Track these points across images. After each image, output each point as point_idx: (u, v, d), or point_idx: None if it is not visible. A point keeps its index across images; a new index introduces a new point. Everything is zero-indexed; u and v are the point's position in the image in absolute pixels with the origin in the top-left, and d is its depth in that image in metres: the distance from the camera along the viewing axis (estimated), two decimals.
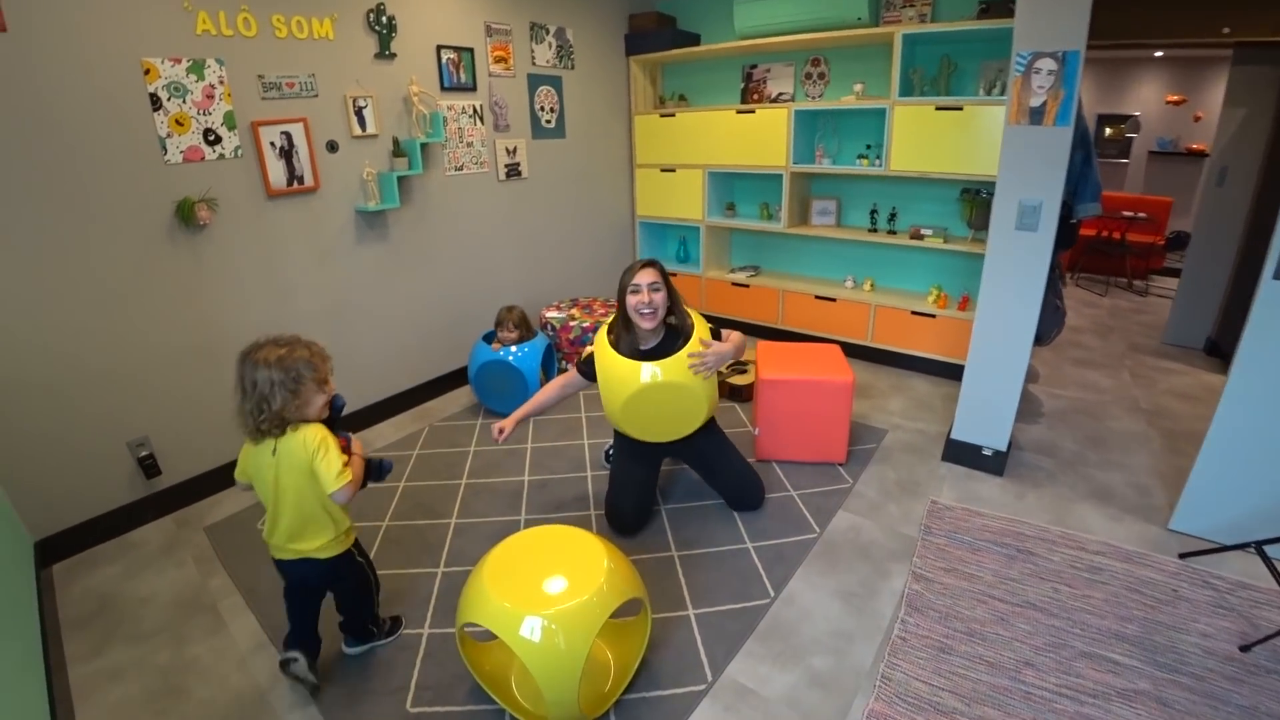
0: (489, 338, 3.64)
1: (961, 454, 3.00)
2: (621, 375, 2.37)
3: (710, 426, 2.64)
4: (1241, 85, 4.03)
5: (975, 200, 3.73)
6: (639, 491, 2.58)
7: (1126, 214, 6.08)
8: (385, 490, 2.87)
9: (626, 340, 2.46)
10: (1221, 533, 2.42)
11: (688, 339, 2.40)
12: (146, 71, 2.42)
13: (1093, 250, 6.08)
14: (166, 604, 2.26)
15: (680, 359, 2.34)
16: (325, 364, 1.71)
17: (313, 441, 1.64)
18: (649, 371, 2.33)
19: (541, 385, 3.60)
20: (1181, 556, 2.36)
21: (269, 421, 1.62)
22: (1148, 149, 7.10)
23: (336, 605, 1.97)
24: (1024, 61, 2.48)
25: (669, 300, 2.43)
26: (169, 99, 2.50)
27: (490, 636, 1.91)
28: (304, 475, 1.66)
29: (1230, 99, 4.10)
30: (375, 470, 1.91)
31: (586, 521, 2.63)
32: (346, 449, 1.78)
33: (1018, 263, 2.67)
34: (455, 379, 3.95)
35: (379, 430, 3.48)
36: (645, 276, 2.37)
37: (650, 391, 2.35)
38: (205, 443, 2.85)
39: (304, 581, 1.85)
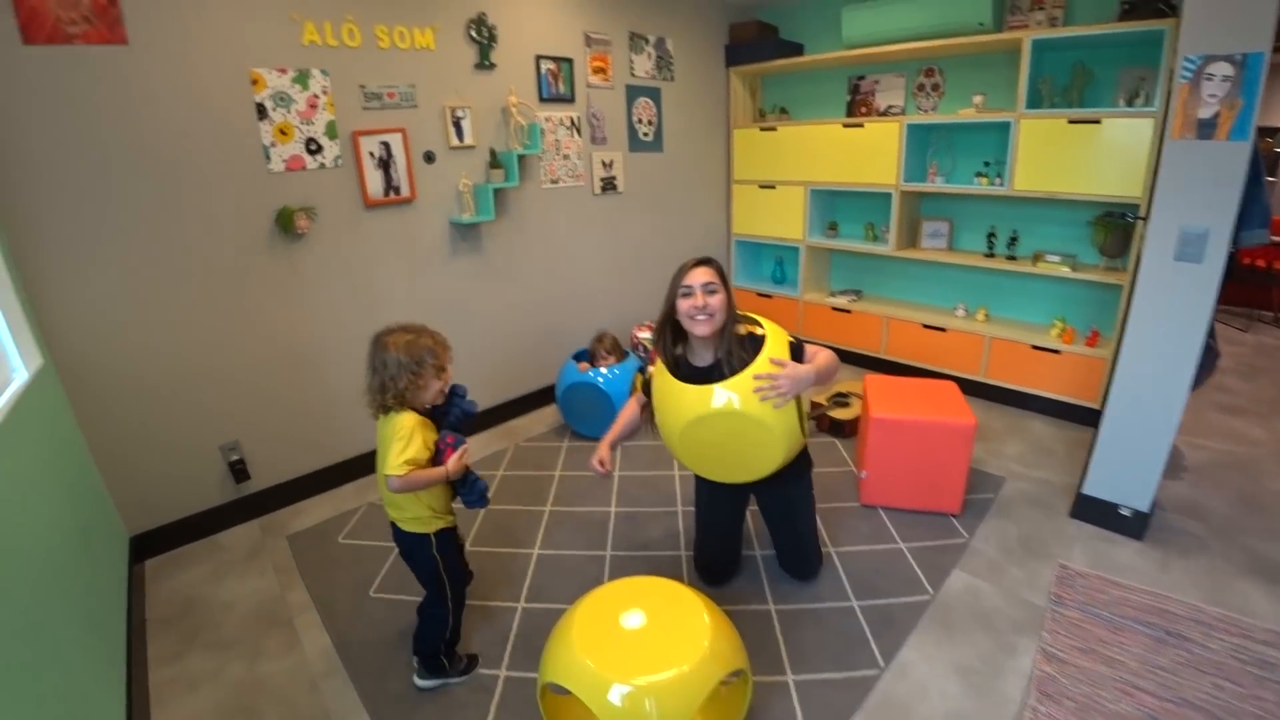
0: (579, 357, 3.51)
1: (1094, 512, 2.62)
2: (674, 400, 1.90)
3: (797, 472, 2.16)
4: None
5: (1111, 224, 3.31)
6: (724, 541, 2.29)
7: (1276, 239, 5.39)
8: (466, 512, 2.75)
9: (680, 356, 2.02)
10: None
11: (757, 354, 1.86)
12: (254, 81, 2.42)
13: (1233, 278, 5.41)
14: (246, 613, 2.22)
15: (744, 381, 1.81)
16: (445, 353, 1.83)
17: (402, 428, 1.71)
18: (706, 395, 1.83)
19: None
20: None
21: (393, 398, 1.74)
22: None
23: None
24: (1192, 67, 2.13)
25: (728, 306, 1.95)
26: (274, 108, 2.49)
27: (566, 690, 1.73)
28: (386, 445, 1.74)
29: None
30: (466, 487, 1.85)
31: (676, 563, 2.43)
32: (446, 448, 1.78)
33: (1176, 298, 2.29)
34: (542, 397, 3.84)
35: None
36: (699, 275, 1.92)
37: (708, 423, 1.85)
38: (293, 450, 2.84)
39: (396, 542, 1.89)
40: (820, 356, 1.96)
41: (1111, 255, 3.38)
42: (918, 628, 2.09)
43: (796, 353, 1.94)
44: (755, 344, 1.90)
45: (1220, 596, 2.21)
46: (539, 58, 3.34)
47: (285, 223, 2.58)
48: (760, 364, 1.82)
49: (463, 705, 1.84)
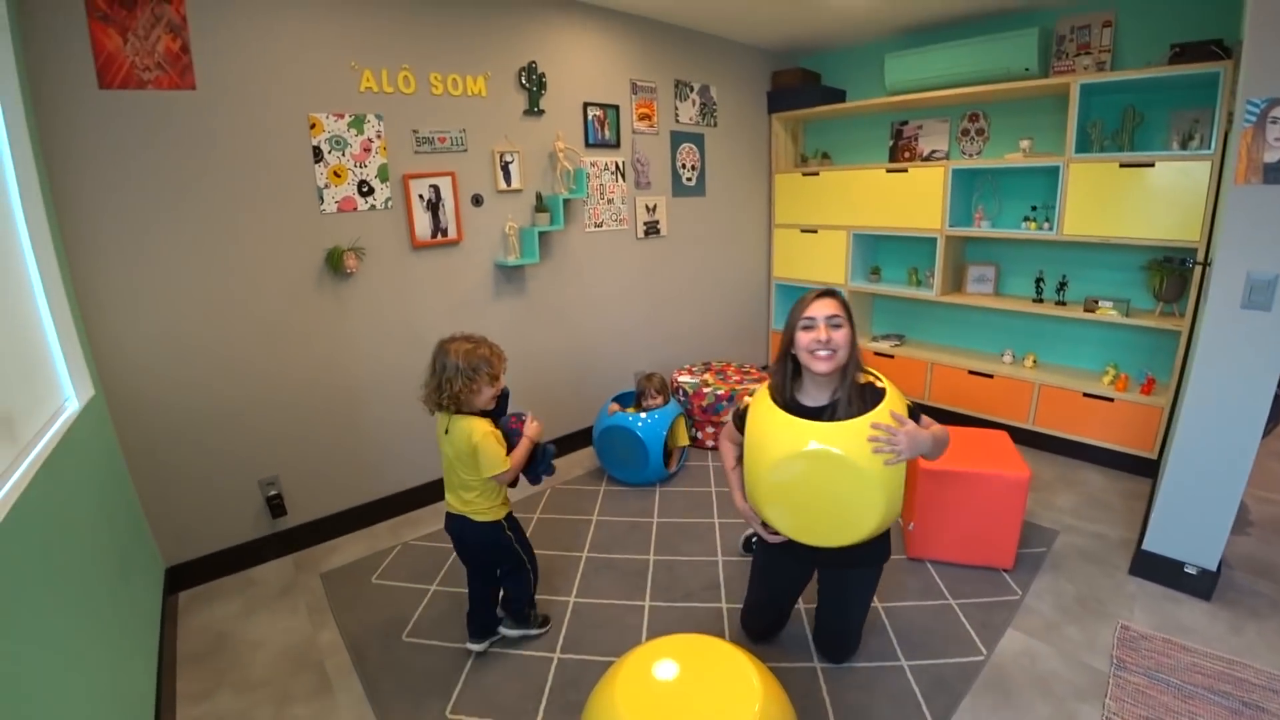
0: (621, 400, 3.47)
1: (1156, 569, 2.45)
2: (775, 435, 1.71)
3: (873, 557, 1.95)
4: None
5: (1167, 269, 3.20)
6: (778, 609, 2.14)
7: None
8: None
9: (790, 391, 1.85)
10: None
11: (875, 405, 1.70)
12: (312, 126, 2.50)
13: None
14: (277, 653, 2.17)
15: (859, 427, 1.64)
16: (500, 363, 2.02)
17: (476, 434, 1.93)
18: (814, 434, 1.66)
19: (666, 455, 3.39)
20: None
21: (447, 399, 1.94)
22: None
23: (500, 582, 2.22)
24: (1256, 110, 2.05)
25: (851, 344, 1.77)
26: (330, 151, 2.56)
27: None
28: (463, 456, 1.97)
29: None
30: (541, 456, 2.11)
31: (717, 616, 2.32)
32: (518, 426, 2.07)
33: (1243, 346, 2.17)
34: (580, 439, 3.80)
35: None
36: (823, 308, 1.74)
37: (809, 462, 1.66)
38: (330, 487, 2.83)
39: (461, 538, 2.12)
40: (935, 428, 1.78)
41: (1168, 300, 3.25)
42: (971, 691, 1.96)
43: (913, 416, 1.75)
44: (874, 396, 1.75)
45: None
46: (586, 104, 3.40)
47: (335, 262, 2.62)
48: (880, 414, 1.65)
49: None
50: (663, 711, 1.42)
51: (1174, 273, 3.18)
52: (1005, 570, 2.53)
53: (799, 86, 4.33)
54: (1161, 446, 3.11)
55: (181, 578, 2.51)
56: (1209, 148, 2.91)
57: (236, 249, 2.42)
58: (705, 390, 3.66)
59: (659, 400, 3.38)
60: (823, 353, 1.73)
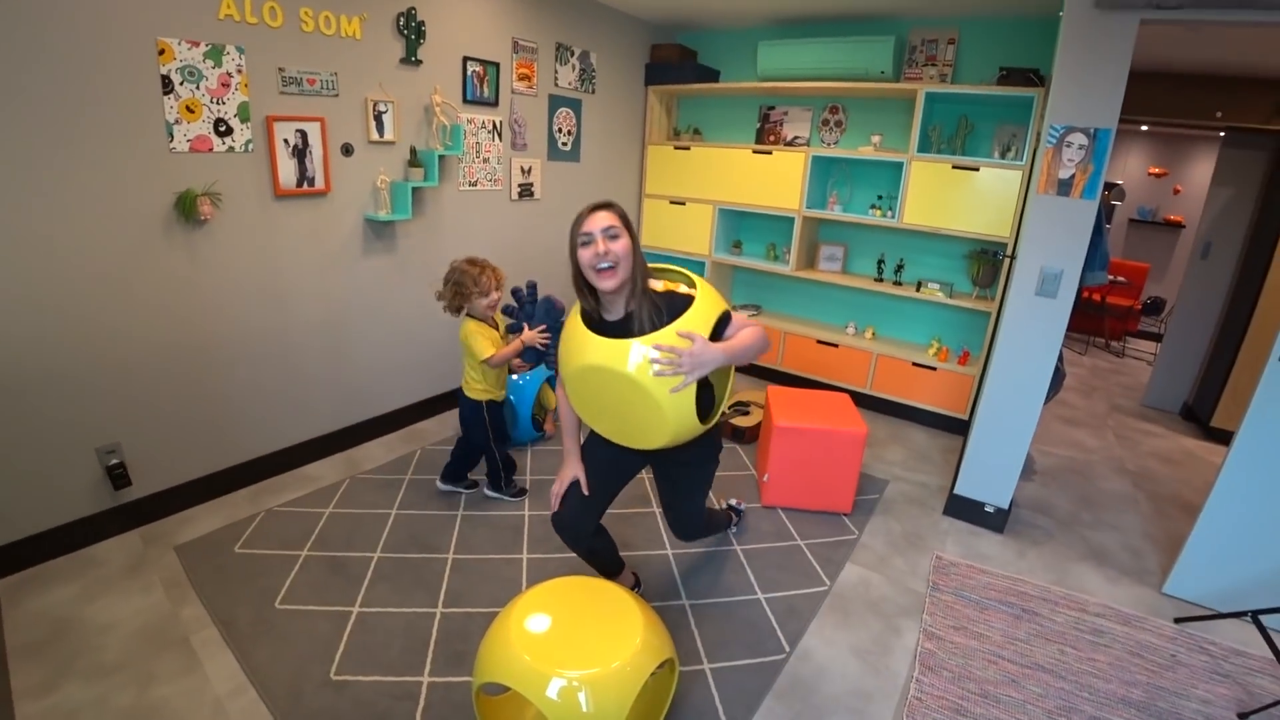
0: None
1: (964, 509, 2.99)
2: (575, 344, 1.76)
3: (698, 459, 2.05)
4: (1230, 166, 4.22)
5: (984, 259, 3.77)
6: (585, 501, 2.00)
7: (1110, 279, 6.32)
8: (375, 518, 2.70)
9: (598, 309, 1.84)
10: (1214, 599, 2.50)
11: (678, 316, 1.68)
12: (161, 51, 2.26)
13: (1075, 310, 6.28)
14: (131, 634, 2.03)
15: (643, 344, 1.63)
16: (490, 281, 2.64)
17: (464, 333, 2.63)
18: (604, 348, 1.68)
19: (535, 418, 3.47)
20: (1177, 621, 2.42)
21: (448, 306, 2.65)
22: (1128, 216, 7.41)
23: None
24: (1056, 134, 2.51)
25: (634, 254, 1.74)
26: (182, 83, 2.34)
27: (499, 690, 1.77)
28: (463, 347, 2.66)
29: (1218, 178, 4.28)
30: (532, 354, 2.79)
31: None
32: (514, 332, 2.83)
33: (1035, 327, 2.69)
34: (449, 400, 3.78)
35: (367, 450, 3.29)
36: (599, 221, 1.70)
37: (591, 375, 1.71)
38: (181, 453, 2.64)
39: (459, 410, 2.82)
40: (743, 334, 1.75)
41: (982, 286, 3.84)
42: (818, 615, 2.31)
43: (722, 324, 1.74)
44: (678, 306, 1.72)
45: (1064, 579, 2.64)
46: (466, 59, 3.33)
47: (187, 207, 2.41)
48: (666, 334, 1.63)
49: (386, 714, 1.81)
50: (558, 646, 1.56)
51: (989, 262, 3.76)
52: (845, 514, 2.94)
53: (676, 62, 4.49)
54: (972, 409, 3.70)
55: (2, 563, 2.24)
56: (1021, 159, 3.46)
57: (70, 186, 2.15)
58: None
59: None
60: (603, 266, 1.70)
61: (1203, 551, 2.50)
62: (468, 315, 2.66)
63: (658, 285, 1.81)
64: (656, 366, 1.60)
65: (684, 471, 2.10)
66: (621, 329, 1.76)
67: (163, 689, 1.85)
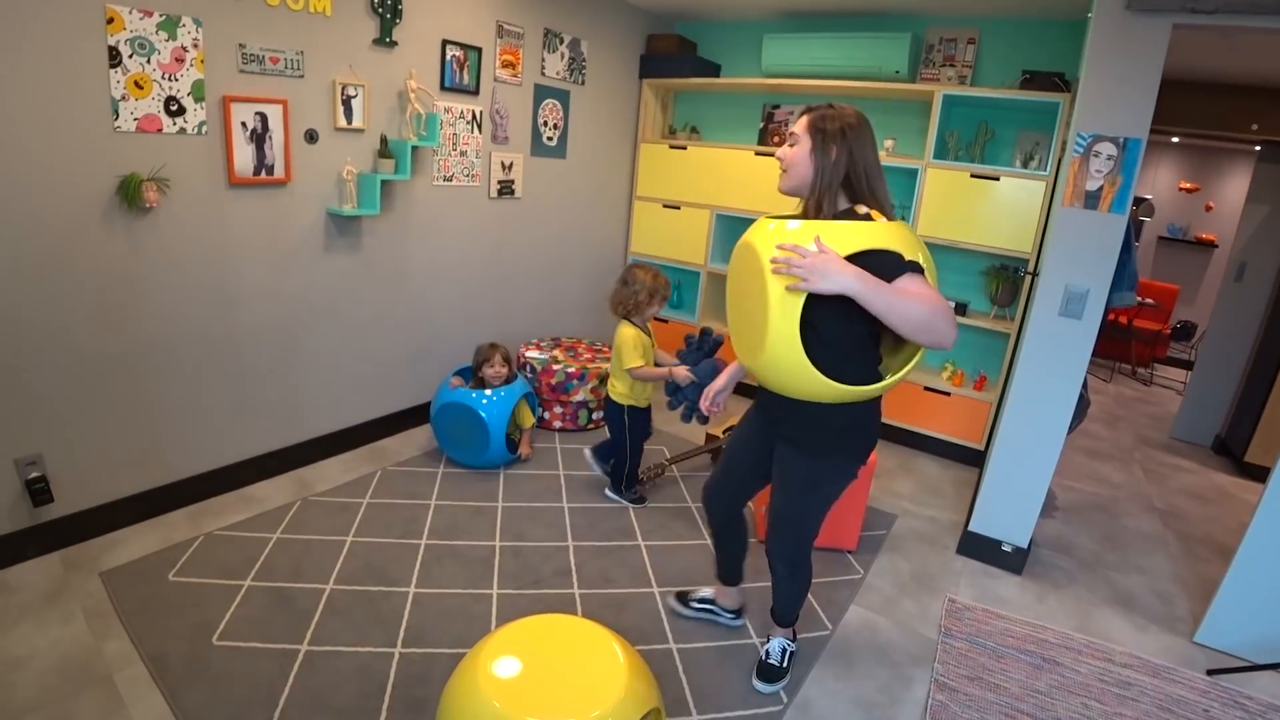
0: (464, 374, 3.48)
1: (979, 548, 3.00)
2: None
3: (813, 436, 1.88)
4: (1266, 182, 4.33)
5: (1003, 276, 3.83)
6: (734, 479, 2.17)
7: (1138, 300, 6.44)
8: (328, 545, 2.66)
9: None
10: (1250, 649, 2.51)
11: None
12: (110, 20, 2.25)
13: (1100, 334, 6.38)
14: (47, 670, 1.97)
15: (789, 232, 1.62)
16: (661, 289, 3.06)
17: (620, 337, 3.04)
18: (759, 225, 1.71)
19: (509, 438, 3.42)
20: (1210, 673, 2.42)
21: (620, 308, 3.06)
22: (1157, 234, 7.54)
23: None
24: (1083, 143, 2.57)
25: (812, 166, 1.71)
26: (130, 56, 2.32)
27: None
28: (614, 350, 3.06)
29: (1254, 195, 4.39)
30: (674, 390, 3.00)
31: (570, 602, 2.47)
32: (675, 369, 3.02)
33: (1058, 350, 2.72)
34: (415, 416, 3.76)
35: (321, 469, 3.26)
36: (795, 123, 1.79)
37: (738, 252, 1.78)
38: (113, 467, 2.59)
39: (605, 409, 3.27)
40: (909, 290, 1.55)
41: (1001, 305, 3.89)
42: (818, 663, 2.30)
43: (890, 267, 1.58)
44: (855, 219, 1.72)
45: (1087, 625, 2.64)
46: (445, 42, 3.34)
47: (130, 193, 2.39)
48: (801, 233, 1.60)
49: None
50: (531, 692, 1.53)
51: (1008, 279, 3.82)
52: (849, 551, 2.95)
53: (674, 54, 4.55)
54: (988, 438, 3.73)
55: None
56: (1045, 169, 3.52)
57: None
58: (555, 367, 3.78)
59: (504, 370, 3.41)
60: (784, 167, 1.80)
61: (1237, 597, 2.51)
62: (627, 320, 3.02)
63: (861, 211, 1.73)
64: (773, 263, 1.59)
65: (787, 451, 1.96)
66: None
67: None
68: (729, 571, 2.38)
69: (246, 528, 2.73)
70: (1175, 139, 6.77)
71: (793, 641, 2.26)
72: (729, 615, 2.45)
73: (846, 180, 1.71)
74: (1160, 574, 3.08)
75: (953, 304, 3.91)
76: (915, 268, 1.59)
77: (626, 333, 2.99)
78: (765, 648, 2.25)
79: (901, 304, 1.54)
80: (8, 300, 2.24)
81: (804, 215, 1.78)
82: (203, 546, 2.59)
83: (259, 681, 2.00)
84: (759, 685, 2.17)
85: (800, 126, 1.75)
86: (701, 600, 2.48)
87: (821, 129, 1.71)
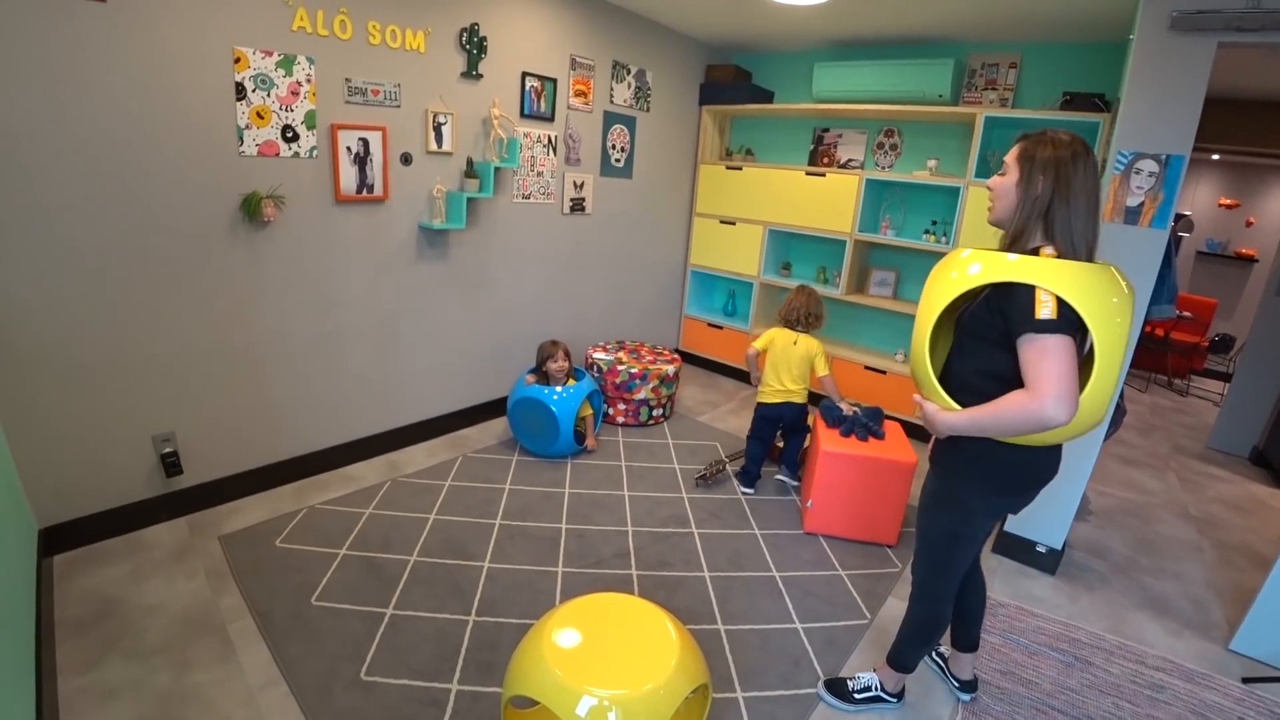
0: (534, 371, 3.51)
1: (1014, 548, 2.84)
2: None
3: (945, 461, 1.68)
4: None
5: None
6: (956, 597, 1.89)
7: (1175, 311, 6.04)
8: (414, 521, 2.70)
9: None
10: None
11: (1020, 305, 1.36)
12: (237, 60, 2.35)
13: (1138, 345, 6.01)
14: (173, 618, 2.07)
15: (957, 260, 1.51)
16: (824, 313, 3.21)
17: (816, 348, 3.14)
18: (957, 257, 1.54)
19: (577, 431, 3.42)
20: (1245, 681, 2.23)
21: (806, 323, 3.16)
22: (1196, 249, 7.08)
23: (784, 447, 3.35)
24: (1124, 160, 2.40)
25: (1015, 198, 1.48)
26: (254, 90, 2.42)
27: (528, 704, 1.73)
28: (805, 359, 3.13)
29: None
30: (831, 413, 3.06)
31: (628, 582, 2.44)
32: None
33: None
34: (493, 409, 3.80)
35: (409, 454, 3.31)
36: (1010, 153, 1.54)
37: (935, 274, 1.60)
38: (232, 446, 2.70)
39: (781, 415, 3.22)
40: (1012, 401, 1.37)
41: None
42: (857, 649, 2.21)
43: (1016, 320, 1.36)
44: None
45: (1120, 627, 2.47)
46: (525, 74, 3.38)
47: (251, 209, 2.48)
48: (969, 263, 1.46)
49: (413, 719, 1.79)
50: (590, 663, 1.51)
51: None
52: (890, 546, 2.82)
53: (731, 82, 4.48)
54: None
55: (58, 540, 2.32)
56: None
57: (141, 183, 2.24)
58: (619, 368, 3.76)
59: (566, 364, 3.39)
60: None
61: (1274, 607, 2.31)
62: (808, 333, 3.18)
63: (1049, 251, 1.45)
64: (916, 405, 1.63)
65: (930, 467, 1.76)
66: None
67: (198, 675, 1.87)
68: (959, 632, 2.02)
69: (344, 503, 2.80)
70: (1215, 156, 6.32)
71: (890, 696, 1.97)
72: (956, 684, 2.07)
73: (1047, 215, 1.44)
74: (1195, 580, 2.85)
75: None
76: (1047, 327, 1.31)
77: (816, 343, 3.12)
78: (859, 671, 2.05)
79: (998, 421, 1.40)
80: (149, 295, 2.35)
81: (1003, 248, 1.51)
82: (306, 518, 2.66)
83: (349, 638, 2.04)
84: (823, 693, 2.00)
85: (1011, 155, 1.52)
86: (939, 655, 2.16)
87: (1030, 158, 1.47)
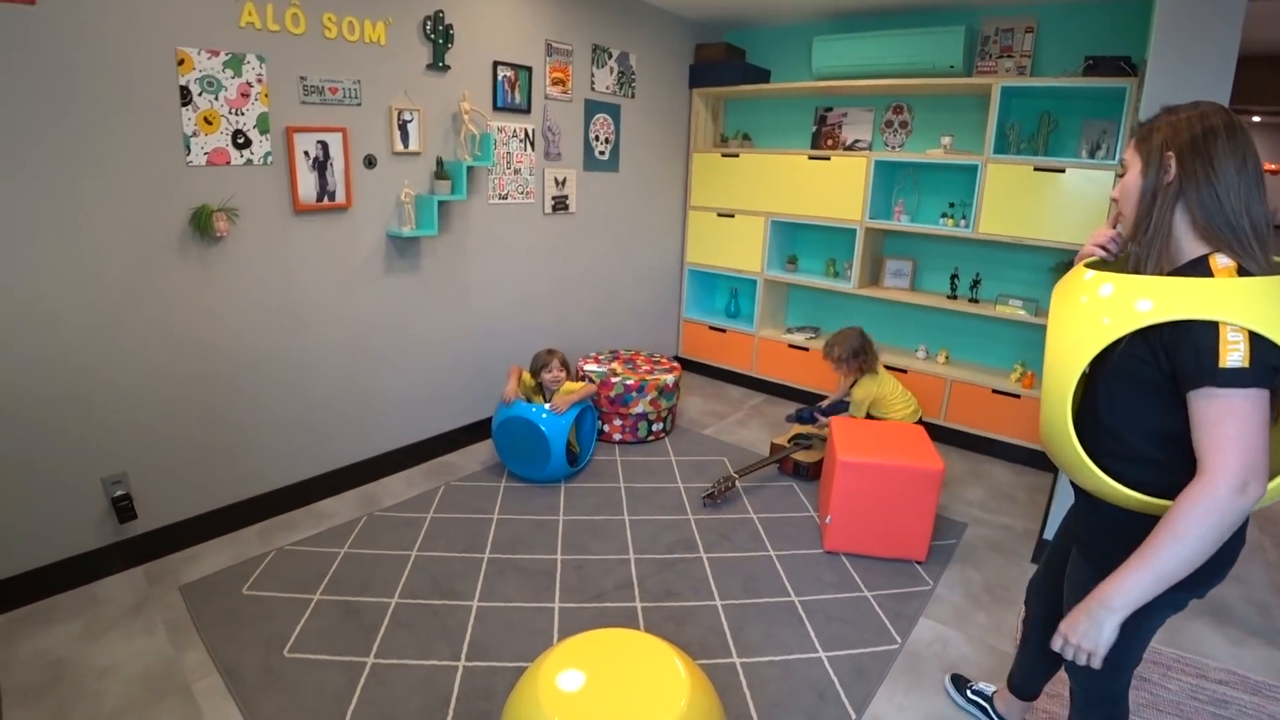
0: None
1: None
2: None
3: (1100, 542, 1.38)
4: None
5: None
6: (1056, 580, 1.62)
7: None
8: (394, 559, 2.69)
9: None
10: None
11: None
12: (181, 61, 2.36)
13: None
14: (131, 679, 2.05)
15: (1081, 283, 1.29)
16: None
17: (875, 390, 3.60)
18: (1075, 276, 1.34)
19: (570, 449, 3.42)
20: None
21: (863, 363, 3.56)
22: None
23: None
24: None
25: (1140, 198, 1.26)
26: (200, 94, 2.43)
27: None
28: (871, 400, 3.60)
29: None
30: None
31: (632, 615, 2.43)
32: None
33: None
34: (476, 432, 3.80)
35: (386, 485, 3.31)
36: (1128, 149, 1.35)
37: (1057, 296, 1.39)
38: (190, 485, 2.69)
39: None
40: (1190, 501, 1.11)
41: None
42: (888, 678, 2.19)
43: (1191, 370, 1.11)
44: (1195, 270, 1.19)
45: (1176, 639, 2.45)
46: (496, 63, 3.40)
47: (202, 224, 2.49)
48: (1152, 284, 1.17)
49: None
50: (593, 707, 1.50)
51: None
52: (918, 562, 2.81)
53: (723, 62, 4.51)
54: None
55: (2, 598, 2.30)
56: (1114, 158, 3.34)
57: (80, 200, 2.24)
58: (614, 380, 3.76)
59: (563, 375, 3.42)
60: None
61: None
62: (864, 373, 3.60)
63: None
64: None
65: (1077, 553, 1.49)
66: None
67: None
68: (1024, 681, 1.94)
69: (316, 543, 2.79)
70: (1257, 118, 6.34)
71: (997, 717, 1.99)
72: None
73: (1191, 211, 1.20)
74: (1257, 584, 2.84)
75: (1020, 302, 3.74)
76: (1236, 379, 1.07)
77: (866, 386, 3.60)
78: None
79: (1179, 554, 1.12)
80: (92, 329, 2.35)
81: (1138, 263, 1.27)
82: (275, 561, 2.65)
83: (328, 693, 2.02)
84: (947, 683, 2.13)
85: (1130, 147, 1.31)
86: (979, 694, 2.09)
87: (1150, 140, 1.25)
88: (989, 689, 2.07)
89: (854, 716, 2.02)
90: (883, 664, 2.25)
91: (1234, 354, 1.06)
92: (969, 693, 2.09)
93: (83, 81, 2.18)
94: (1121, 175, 1.33)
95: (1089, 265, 1.37)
